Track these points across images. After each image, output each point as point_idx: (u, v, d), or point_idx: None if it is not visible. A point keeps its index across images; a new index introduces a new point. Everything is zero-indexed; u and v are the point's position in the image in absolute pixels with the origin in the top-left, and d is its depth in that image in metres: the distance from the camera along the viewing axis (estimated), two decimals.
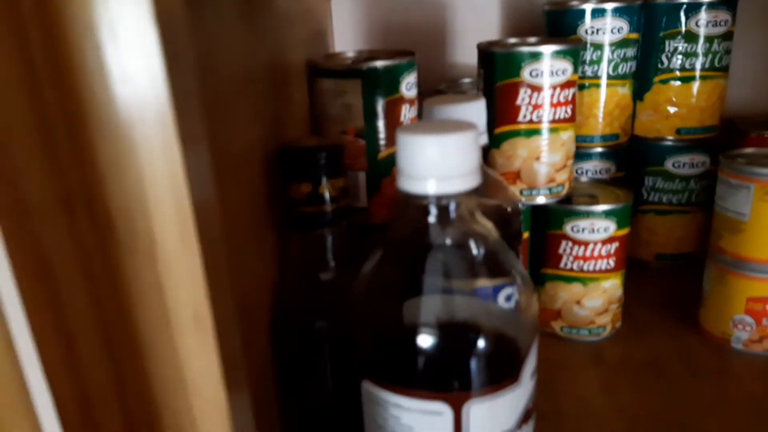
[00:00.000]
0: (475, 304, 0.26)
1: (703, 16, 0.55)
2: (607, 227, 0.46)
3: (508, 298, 0.27)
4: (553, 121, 0.45)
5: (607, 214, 0.46)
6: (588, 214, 0.46)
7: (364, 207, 0.43)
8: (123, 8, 0.15)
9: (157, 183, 0.16)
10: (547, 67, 0.44)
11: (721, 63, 0.57)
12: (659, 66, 0.57)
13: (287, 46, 0.40)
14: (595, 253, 0.47)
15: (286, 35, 0.40)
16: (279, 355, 0.30)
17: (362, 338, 0.27)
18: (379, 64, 0.42)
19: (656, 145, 0.59)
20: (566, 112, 0.46)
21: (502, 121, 0.46)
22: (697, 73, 0.56)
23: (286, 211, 0.30)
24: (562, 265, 0.48)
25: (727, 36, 0.56)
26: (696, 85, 0.57)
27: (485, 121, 0.34)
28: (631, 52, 0.55)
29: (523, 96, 0.45)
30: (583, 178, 0.57)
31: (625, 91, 0.57)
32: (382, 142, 0.42)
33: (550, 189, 0.47)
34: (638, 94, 0.58)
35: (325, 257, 0.31)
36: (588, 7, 0.53)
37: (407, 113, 0.44)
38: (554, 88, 0.45)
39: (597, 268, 0.47)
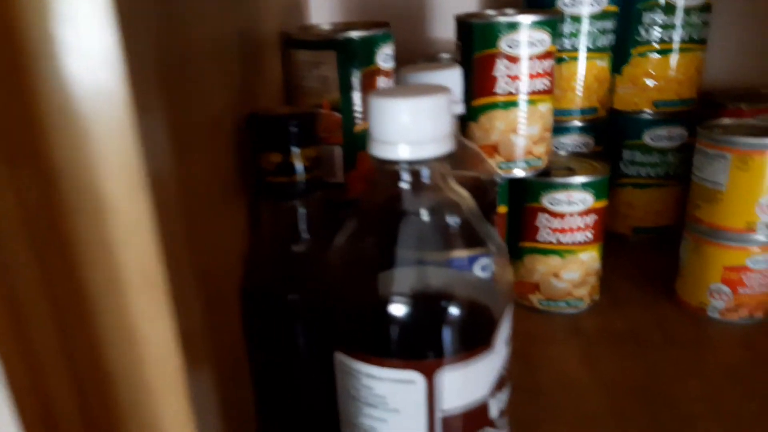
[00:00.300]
0: (447, 273, 0.26)
1: None
2: (585, 199, 0.46)
3: (483, 268, 0.27)
4: (531, 92, 0.45)
5: (584, 186, 0.46)
6: (565, 186, 0.46)
7: (341, 182, 0.42)
8: None
9: (107, 146, 0.15)
10: (524, 38, 0.44)
11: (699, 35, 0.56)
12: (637, 38, 0.56)
13: (260, 17, 0.39)
14: (573, 226, 0.47)
15: (259, 5, 0.39)
16: (251, 330, 0.30)
17: (335, 309, 0.26)
18: (355, 34, 0.41)
19: (634, 119, 0.58)
20: (544, 83, 0.45)
21: (480, 93, 0.45)
22: (675, 46, 0.56)
23: (256, 181, 0.30)
24: (539, 237, 0.48)
25: (705, 8, 0.56)
26: (674, 58, 0.56)
27: (461, 90, 0.33)
28: (609, 24, 0.55)
29: (500, 67, 0.44)
30: (562, 152, 0.56)
31: (603, 64, 0.56)
32: (358, 115, 0.42)
33: (527, 162, 0.46)
34: (616, 67, 0.58)
35: (297, 229, 0.30)
36: None
37: (384, 85, 0.43)
38: (532, 59, 0.44)
39: (574, 240, 0.47)
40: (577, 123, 0.57)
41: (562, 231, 0.47)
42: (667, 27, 0.56)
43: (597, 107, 0.57)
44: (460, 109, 0.33)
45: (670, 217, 0.61)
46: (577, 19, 0.54)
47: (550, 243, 0.48)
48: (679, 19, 0.55)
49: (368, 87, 0.43)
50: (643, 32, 0.56)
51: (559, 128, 0.57)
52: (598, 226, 0.48)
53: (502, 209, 0.48)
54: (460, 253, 0.27)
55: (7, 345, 0.16)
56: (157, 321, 0.17)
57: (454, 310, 0.25)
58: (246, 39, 0.35)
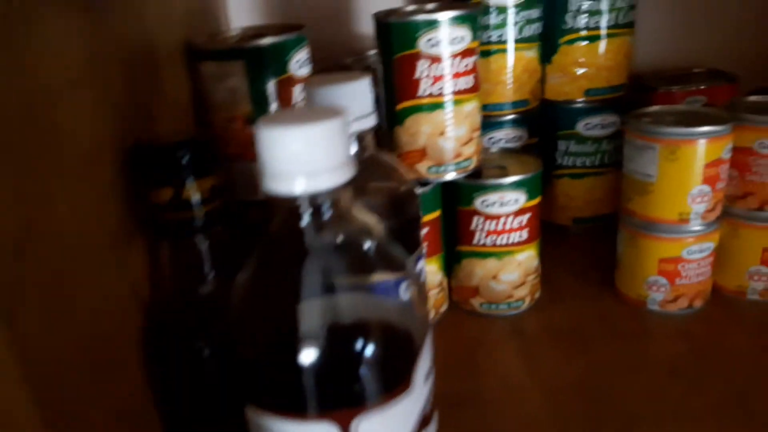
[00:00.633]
0: (358, 310, 0.24)
1: None
2: (517, 199, 0.45)
3: (398, 294, 0.25)
4: (456, 92, 0.43)
5: (516, 185, 0.45)
6: (497, 188, 0.45)
7: (261, 200, 0.40)
8: None
9: None
10: (444, 36, 0.42)
11: (626, 19, 0.55)
12: (564, 27, 0.55)
13: (154, 27, 0.36)
14: (507, 226, 0.46)
15: (150, 15, 0.36)
16: (157, 384, 0.27)
17: (240, 359, 0.24)
18: (263, 42, 0.39)
19: (566, 108, 0.57)
20: (468, 82, 0.44)
21: (403, 96, 0.43)
22: (603, 32, 0.55)
23: (150, 217, 0.27)
24: (475, 241, 0.46)
25: None
26: (602, 44, 0.55)
27: (371, 101, 0.31)
28: (535, 13, 0.54)
29: (422, 68, 0.42)
30: (495, 148, 0.55)
31: (532, 54, 0.55)
32: None
33: (457, 164, 0.45)
34: (546, 57, 0.57)
35: (200, 267, 0.27)
36: None
37: (300, 94, 0.41)
38: (454, 57, 0.42)
39: (510, 241, 0.46)
40: (510, 116, 0.56)
41: (498, 233, 0.46)
42: (594, 13, 0.54)
43: (528, 99, 0.56)
44: (371, 122, 0.31)
45: (609, 206, 0.60)
46: (502, 9, 0.52)
47: (486, 246, 0.46)
48: (605, 4, 0.54)
49: (283, 96, 0.40)
50: (569, 20, 0.55)
51: (491, 123, 0.55)
52: (533, 223, 0.47)
53: (436, 214, 0.46)
54: (372, 282, 0.25)
55: None
56: None
57: (368, 352, 0.23)
58: (136, 55, 0.32)
